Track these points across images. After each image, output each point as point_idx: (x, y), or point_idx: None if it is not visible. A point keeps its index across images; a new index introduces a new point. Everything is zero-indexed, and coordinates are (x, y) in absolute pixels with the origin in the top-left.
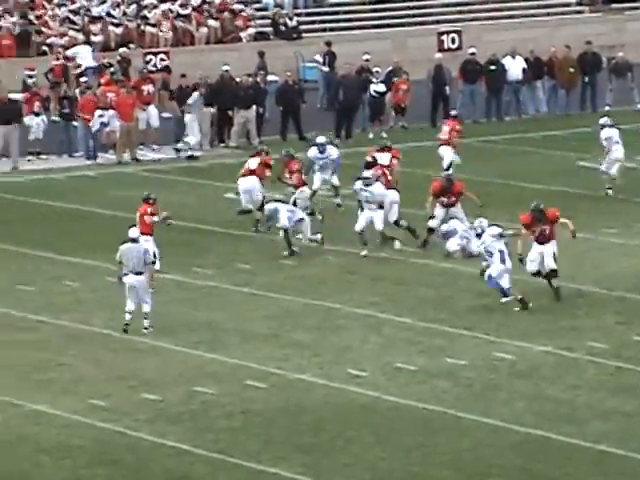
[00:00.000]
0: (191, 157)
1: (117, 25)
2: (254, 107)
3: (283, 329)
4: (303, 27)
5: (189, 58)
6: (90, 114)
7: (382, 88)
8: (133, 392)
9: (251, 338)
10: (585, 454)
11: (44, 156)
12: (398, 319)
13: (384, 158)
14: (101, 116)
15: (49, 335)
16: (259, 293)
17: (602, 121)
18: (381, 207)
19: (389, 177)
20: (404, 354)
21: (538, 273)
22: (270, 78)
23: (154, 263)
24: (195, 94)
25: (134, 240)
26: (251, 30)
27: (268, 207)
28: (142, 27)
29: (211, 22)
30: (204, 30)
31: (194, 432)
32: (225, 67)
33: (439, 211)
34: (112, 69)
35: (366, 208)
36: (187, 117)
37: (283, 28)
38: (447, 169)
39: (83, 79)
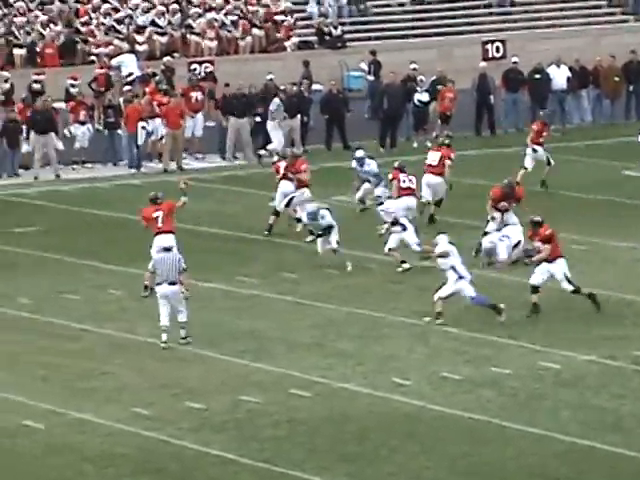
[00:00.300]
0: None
1: (162, 34)
2: (299, 116)
3: (327, 338)
4: (348, 36)
5: (233, 67)
6: (134, 123)
7: (426, 97)
8: (177, 401)
9: (295, 347)
10: (630, 463)
11: (89, 165)
12: (444, 329)
13: (433, 157)
14: (144, 127)
15: (93, 344)
16: (304, 302)
17: None
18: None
19: (409, 186)
20: (449, 363)
21: (536, 289)
22: (315, 87)
23: (185, 270)
24: (276, 100)
25: (168, 249)
26: (295, 39)
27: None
28: (187, 36)
29: (255, 31)
30: (249, 39)
31: (239, 441)
32: (269, 76)
33: (496, 215)
34: (157, 78)
35: (393, 230)
36: (269, 124)
37: (327, 37)
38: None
39: (127, 88)
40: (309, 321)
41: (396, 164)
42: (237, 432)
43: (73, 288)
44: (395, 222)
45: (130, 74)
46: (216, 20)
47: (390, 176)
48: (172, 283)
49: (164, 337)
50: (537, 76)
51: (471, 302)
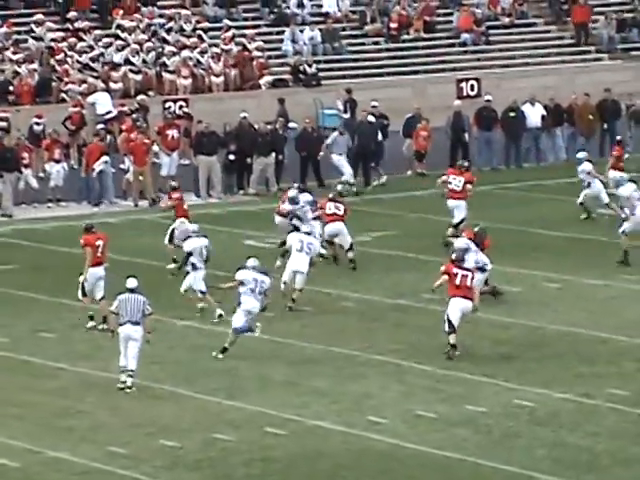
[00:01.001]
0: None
1: (136, 72)
2: (273, 154)
3: (302, 376)
4: (322, 74)
5: (208, 105)
6: (94, 161)
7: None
8: (151, 439)
9: (270, 385)
10: None
11: (64, 203)
12: (419, 367)
13: (457, 182)
14: (106, 162)
15: (68, 382)
16: (278, 340)
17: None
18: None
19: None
20: (424, 402)
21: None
22: (290, 125)
23: (151, 314)
24: (334, 134)
25: (132, 290)
26: (269, 77)
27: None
28: (161, 74)
29: (229, 70)
30: (222, 78)
31: (213, 479)
32: (243, 114)
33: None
34: (134, 115)
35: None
36: (334, 157)
37: (302, 75)
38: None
39: (100, 126)
40: (283, 359)
41: (330, 195)
42: (211, 470)
43: (49, 326)
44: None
45: (108, 112)
46: (190, 59)
47: (319, 205)
48: (136, 323)
49: (123, 378)
50: (512, 114)
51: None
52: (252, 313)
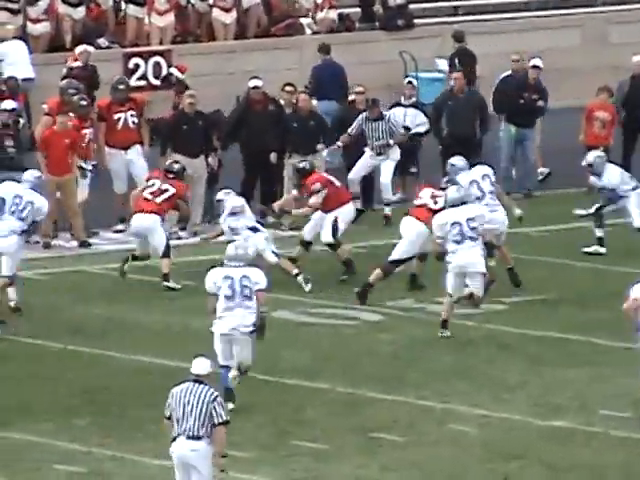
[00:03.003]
0: None
1: (75, 4)
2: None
3: None
4: (415, 8)
5: (206, 64)
6: None
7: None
8: None
9: None
10: None
11: None
12: None
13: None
14: None
15: None
16: None
17: None
18: None
19: None
20: None
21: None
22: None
23: (226, 422)
24: None
25: (199, 381)
26: (321, 14)
27: None
28: (120, 9)
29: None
30: (234, 14)
31: None
32: (254, 82)
33: None
34: (64, 83)
35: None
36: None
37: (379, 11)
38: None
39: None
40: None
41: None
42: None
43: None
44: None
45: (27, 79)
46: None
47: None
48: (195, 438)
49: None
50: None
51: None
52: None
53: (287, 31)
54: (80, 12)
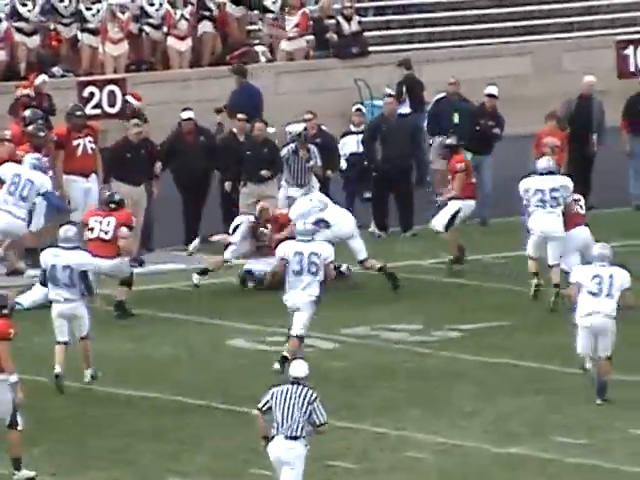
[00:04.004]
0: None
1: (29, 33)
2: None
3: None
4: (370, 35)
5: (160, 93)
6: None
7: None
8: None
9: None
10: None
11: None
12: None
13: None
14: None
15: None
16: None
17: None
18: None
19: None
20: None
21: None
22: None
23: (323, 425)
24: None
25: (298, 382)
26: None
27: None
28: (77, 37)
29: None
30: (189, 42)
31: None
32: (186, 114)
33: None
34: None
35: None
36: None
37: (334, 38)
38: None
39: None
40: None
41: None
42: None
43: None
44: None
45: None
46: (127, 7)
47: None
48: (293, 438)
49: None
50: None
51: None
52: None
53: (242, 59)
54: (35, 41)
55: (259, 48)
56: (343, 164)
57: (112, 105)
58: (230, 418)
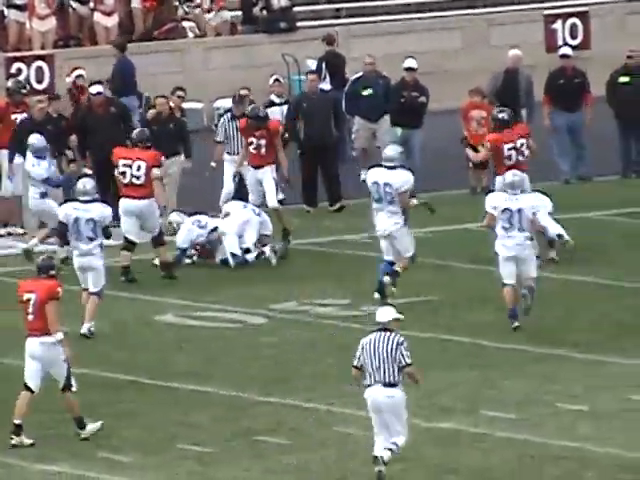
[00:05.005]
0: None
1: None
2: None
3: None
4: (300, 10)
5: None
6: None
7: None
8: None
9: None
10: None
11: None
12: None
13: None
14: None
15: None
16: None
17: None
18: None
19: None
20: None
21: None
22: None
23: (409, 365)
24: None
25: (385, 328)
26: (208, 15)
27: None
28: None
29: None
30: (116, 17)
31: None
32: (95, 88)
33: None
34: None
35: None
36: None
37: (262, 13)
38: None
39: None
40: None
41: None
42: None
43: None
44: None
45: None
46: None
47: None
48: (390, 385)
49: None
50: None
51: None
52: None
53: (169, 35)
54: None
55: (187, 24)
56: None
57: (40, 81)
58: (160, 394)
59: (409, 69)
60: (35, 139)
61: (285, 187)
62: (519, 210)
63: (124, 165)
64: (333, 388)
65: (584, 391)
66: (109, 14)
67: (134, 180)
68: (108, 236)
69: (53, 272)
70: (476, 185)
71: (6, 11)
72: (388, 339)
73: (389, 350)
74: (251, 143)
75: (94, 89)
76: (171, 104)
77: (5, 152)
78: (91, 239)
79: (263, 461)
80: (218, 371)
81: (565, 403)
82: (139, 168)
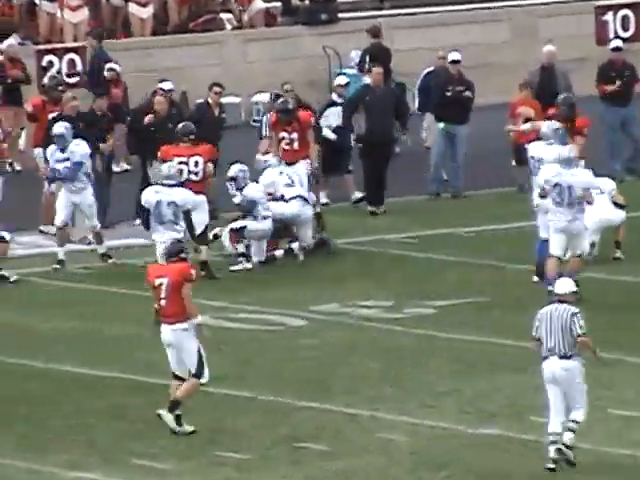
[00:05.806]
0: None
1: None
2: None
3: None
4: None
5: (124, 61)
6: None
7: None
8: None
9: None
10: None
11: None
12: None
13: None
14: None
15: None
16: None
17: None
18: None
19: None
20: None
21: None
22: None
23: (583, 335)
24: None
25: (561, 300)
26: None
27: None
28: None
29: None
30: (151, 9)
31: None
32: (170, 85)
33: None
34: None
35: None
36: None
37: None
38: None
39: None
40: None
41: None
42: None
43: None
44: None
45: None
46: None
47: None
48: (565, 357)
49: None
50: None
51: None
52: None
53: (205, 26)
54: None
55: (224, 15)
56: (332, 136)
57: (70, 75)
58: (196, 398)
59: (454, 62)
60: (56, 127)
61: (312, 181)
62: (569, 187)
63: (180, 163)
64: (376, 392)
65: (636, 396)
66: (144, 5)
67: (192, 177)
68: (189, 221)
69: (183, 255)
70: (523, 182)
71: (37, 1)
72: (564, 310)
73: (564, 322)
74: (283, 138)
75: (166, 85)
76: (209, 100)
77: (40, 151)
78: (173, 223)
79: (303, 468)
80: (257, 375)
81: (616, 409)
82: (197, 164)
